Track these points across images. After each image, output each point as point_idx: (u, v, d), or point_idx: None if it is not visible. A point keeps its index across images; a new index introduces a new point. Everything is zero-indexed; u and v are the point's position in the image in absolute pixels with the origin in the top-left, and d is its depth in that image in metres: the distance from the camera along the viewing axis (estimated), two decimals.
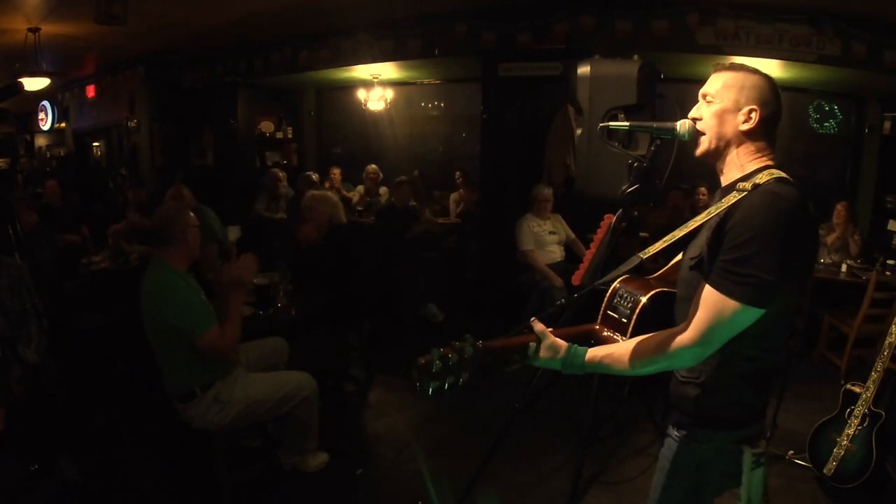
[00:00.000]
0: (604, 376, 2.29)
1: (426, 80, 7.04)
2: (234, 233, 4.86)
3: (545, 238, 4.46)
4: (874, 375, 2.53)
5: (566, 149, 4.69)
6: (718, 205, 1.18)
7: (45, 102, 9.39)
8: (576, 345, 1.28)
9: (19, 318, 2.66)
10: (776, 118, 1.25)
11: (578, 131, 2.10)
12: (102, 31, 5.16)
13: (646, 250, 1.28)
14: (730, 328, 1.12)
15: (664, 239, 1.27)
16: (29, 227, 3.93)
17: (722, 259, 1.12)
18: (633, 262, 1.28)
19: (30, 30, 5.38)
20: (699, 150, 1.31)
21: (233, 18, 5.36)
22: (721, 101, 1.26)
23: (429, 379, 1.13)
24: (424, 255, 5.29)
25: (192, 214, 2.50)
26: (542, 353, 1.25)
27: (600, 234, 1.99)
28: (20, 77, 4.86)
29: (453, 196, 6.36)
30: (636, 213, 1.82)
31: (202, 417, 2.36)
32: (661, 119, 1.57)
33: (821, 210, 4.98)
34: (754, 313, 1.10)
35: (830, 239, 4.84)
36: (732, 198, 1.15)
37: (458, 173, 6.31)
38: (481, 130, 5.26)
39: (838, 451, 2.53)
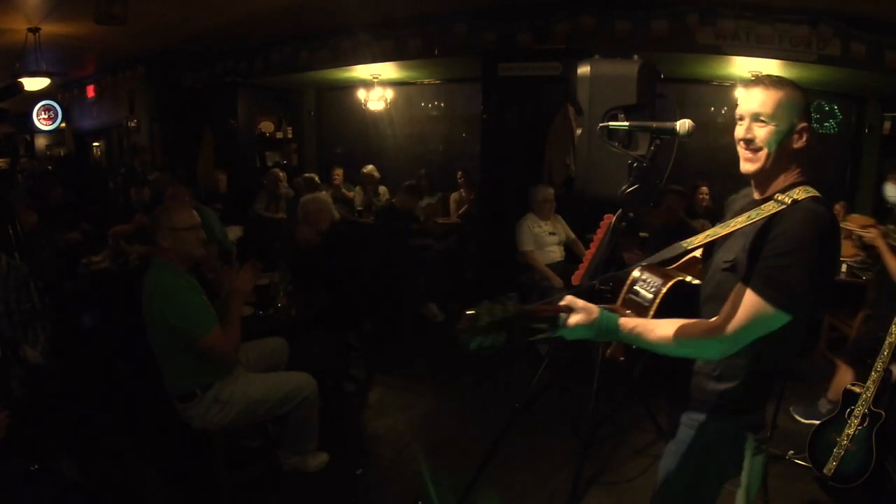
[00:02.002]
0: (604, 377, 2.30)
1: (426, 80, 7.04)
2: (234, 233, 4.87)
3: (545, 238, 4.46)
4: (874, 375, 2.53)
5: (566, 149, 4.70)
6: (759, 211, 1.27)
7: (52, 102, 9.38)
8: (608, 311, 1.30)
9: (26, 318, 2.67)
10: (811, 132, 1.32)
11: (578, 131, 2.10)
12: (102, 31, 5.16)
13: (689, 240, 1.39)
14: (760, 329, 1.21)
15: (707, 233, 1.38)
16: (29, 227, 3.92)
17: (763, 265, 1.21)
18: (676, 249, 1.40)
19: (30, 30, 5.38)
20: (753, 168, 1.32)
21: (233, 18, 5.36)
22: (778, 123, 1.28)
23: (473, 333, 1.12)
24: (424, 255, 5.29)
25: (193, 213, 2.49)
26: (574, 318, 1.25)
27: (600, 234, 1.99)
28: (20, 77, 4.87)
29: (453, 196, 6.37)
30: (636, 214, 1.82)
31: (202, 417, 2.36)
32: (661, 119, 1.57)
33: None
34: (784, 318, 1.19)
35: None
36: (772, 207, 1.25)
37: (459, 173, 6.31)
38: (481, 130, 5.26)
39: (838, 451, 2.53)
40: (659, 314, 1.41)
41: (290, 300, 3.13)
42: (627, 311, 1.45)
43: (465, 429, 3.18)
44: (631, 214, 1.84)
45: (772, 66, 4.78)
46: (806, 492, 2.63)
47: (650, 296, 1.40)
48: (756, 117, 1.30)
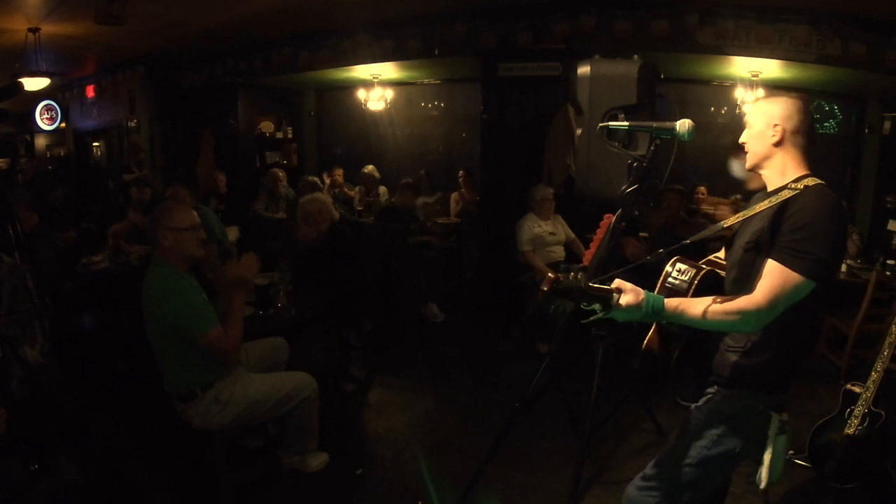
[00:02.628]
0: (604, 376, 2.30)
1: (426, 80, 7.04)
2: (233, 233, 4.87)
3: (545, 238, 4.46)
4: (874, 375, 2.53)
5: (566, 149, 4.69)
6: (776, 197, 1.42)
7: (50, 102, 9.38)
8: (651, 293, 1.40)
9: (25, 318, 2.67)
10: (804, 130, 1.48)
11: (578, 131, 2.10)
12: (102, 31, 5.15)
13: (725, 221, 1.56)
14: (791, 297, 1.33)
15: (738, 215, 1.54)
16: (29, 227, 3.92)
17: (784, 239, 1.35)
18: (716, 228, 1.58)
19: (30, 30, 5.37)
20: (747, 165, 1.57)
21: (233, 18, 5.36)
22: (754, 126, 1.53)
23: (555, 295, 1.26)
24: (424, 255, 5.29)
25: (193, 213, 2.49)
26: (625, 298, 1.35)
27: (600, 234, 2.00)
28: (20, 77, 4.87)
29: (454, 196, 6.37)
30: (636, 213, 1.82)
31: (202, 417, 2.36)
32: (661, 119, 1.58)
33: None
34: (809, 286, 1.33)
35: None
36: (787, 193, 1.41)
37: (461, 172, 6.31)
38: (481, 130, 5.26)
39: (838, 451, 2.53)
40: (697, 296, 1.52)
41: (290, 300, 3.13)
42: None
43: (465, 429, 3.18)
44: (636, 213, 1.84)
45: (772, 66, 4.78)
46: (806, 492, 2.63)
47: (686, 284, 1.54)
48: (746, 125, 1.56)
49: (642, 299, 1.36)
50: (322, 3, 4.92)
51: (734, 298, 1.37)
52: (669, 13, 4.54)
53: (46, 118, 9.58)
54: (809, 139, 1.49)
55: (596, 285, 1.34)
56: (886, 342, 2.54)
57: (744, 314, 1.34)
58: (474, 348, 4.47)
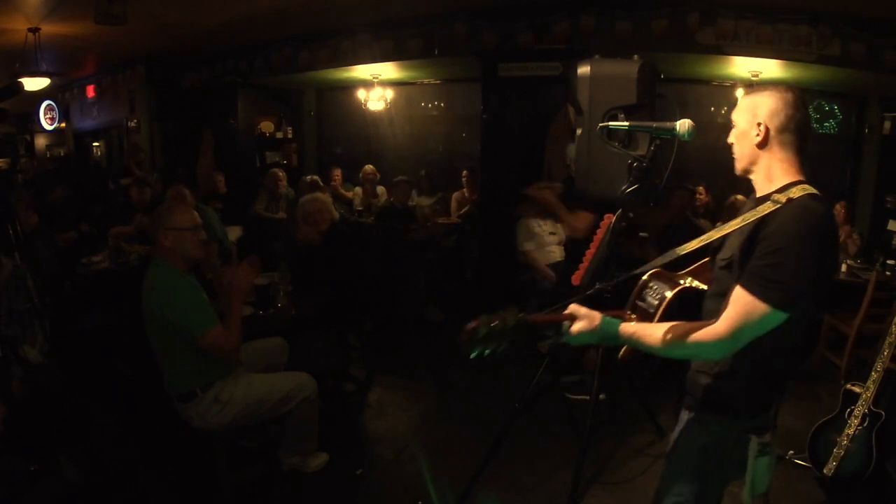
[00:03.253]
0: (604, 377, 2.30)
1: (426, 80, 7.04)
2: (234, 233, 4.87)
3: (545, 238, 4.46)
4: (874, 375, 2.53)
5: (566, 149, 4.69)
6: (754, 212, 1.26)
7: (51, 102, 9.39)
8: (610, 317, 1.35)
9: (25, 318, 2.67)
10: (794, 128, 1.31)
11: (578, 131, 2.09)
12: (102, 31, 5.16)
13: (683, 246, 1.37)
14: (757, 328, 1.21)
15: (702, 238, 1.37)
16: (29, 227, 3.92)
17: (755, 264, 1.22)
18: (669, 256, 1.40)
19: (30, 30, 5.38)
20: (736, 170, 1.42)
21: (233, 18, 5.36)
22: (738, 125, 1.38)
23: (474, 344, 1.21)
24: (424, 255, 5.28)
25: (194, 213, 2.49)
26: (578, 325, 1.32)
27: (600, 234, 2.00)
28: (20, 77, 4.87)
29: (455, 195, 6.36)
30: (636, 213, 1.82)
31: (202, 417, 2.36)
32: (661, 119, 1.57)
33: None
34: (780, 316, 1.19)
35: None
36: (767, 207, 1.24)
37: (465, 172, 6.30)
38: (481, 130, 5.26)
39: (838, 451, 2.53)
40: (664, 320, 1.43)
41: (290, 300, 3.13)
42: (633, 316, 1.49)
43: (465, 429, 3.18)
44: (631, 214, 1.84)
45: (772, 66, 4.78)
46: (806, 492, 2.63)
47: (655, 302, 1.45)
48: (733, 122, 1.41)
49: (596, 325, 1.31)
50: (322, 3, 4.92)
51: (695, 324, 1.27)
52: (669, 13, 4.54)
53: (49, 118, 9.58)
54: (802, 137, 1.32)
55: (546, 315, 1.33)
56: (886, 342, 2.54)
57: (703, 346, 1.25)
58: None
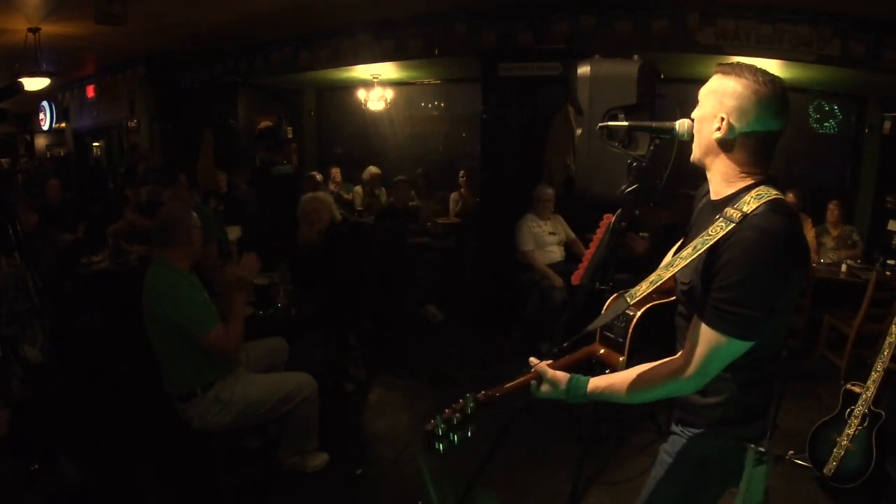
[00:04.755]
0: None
1: (426, 80, 7.04)
2: (234, 233, 4.86)
3: (545, 238, 4.46)
4: (874, 375, 2.53)
5: (566, 149, 4.69)
6: (705, 237, 1.14)
7: (45, 102, 9.39)
8: (578, 376, 1.31)
9: (25, 318, 2.67)
10: (759, 134, 1.16)
11: (578, 131, 2.09)
12: (102, 31, 5.16)
13: (632, 293, 1.27)
14: (723, 359, 1.16)
15: (650, 279, 1.24)
16: (29, 227, 3.92)
17: (714, 297, 1.14)
18: (620, 307, 1.30)
19: (30, 30, 5.38)
20: (691, 158, 1.29)
21: (233, 18, 5.36)
22: (702, 107, 1.24)
23: (436, 440, 1.25)
24: (424, 255, 5.28)
25: (195, 214, 2.51)
26: (544, 389, 1.32)
27: (600, 233, 2.00)
28: (20, 77, 4.87)
29: (453, 196, 6.37)
30: (636, 213, 1.82)
31: (202, 417, 2.36)
32: (661, 119, 1.56)
33: (820, 211, 4.99)
34: (744, 345, 1.14)
35: (828, 240, 4.86)
36: (720, 229, 1.13)
37: (462, 172, 6.31)
38: (481, 130, 5.26)
39: (838, 451, 2.53)
40: (636, 346, 1.41)
41: (290, 300, 3.13)
42: (602, 352, 1.46)
43: None
44: (636, 213, 1.83)
45: (772, 66, 4.75)
46: (806, 492, 2.63)
47: (622, 330, 1.41)
48: (698, 98, 1.26)
49: (563, 388, 1.29)
50: (322, 3, 4.92)
51: (661, 365, 1.22)
52: (669, 13, 4.54)
53: (42, 119, 9.58)
54: (768, 142, 1.18)
55: (510, 386, 1.32)
56: (886, 342, 2.54)
57: (672, 386, 1.20)
58: (474, 348, 4.47)
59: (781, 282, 1.12)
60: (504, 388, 1.31)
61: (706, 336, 1.15)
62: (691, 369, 1.17)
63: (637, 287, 1.27)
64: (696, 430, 1.35)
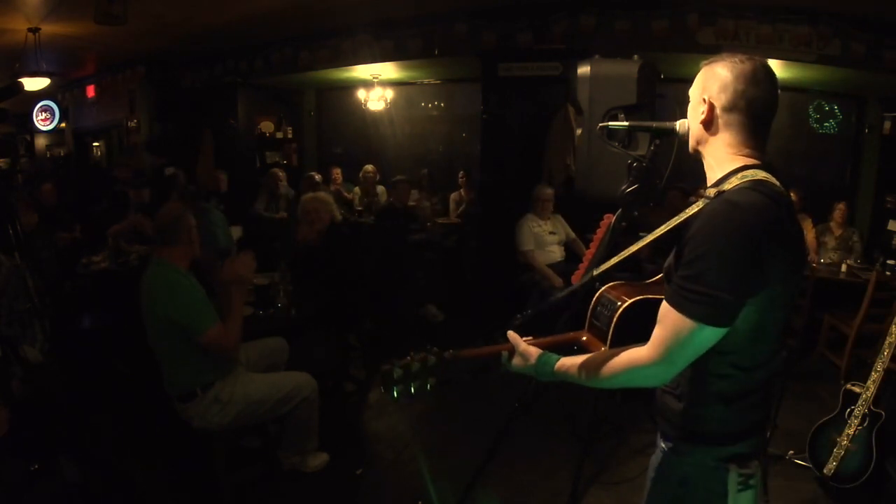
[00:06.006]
0: None
1: (426, 80, 7.04)
2: (234, 233, 4.87)
3: (545, 238, 4.47)
4: (874, 375, 2.53)
5: (566, 149, 4.69)
6: (682, 214, 1.12)
7: (49, 102, 9.38)
8: (549, 353, 1.27)
9: (25, 318, 2.67)
10: (742, 107, 1.12)
11: (578, 131, 2.10)
12: (102, 31, 5.16)
13: (599, 267, 1.27)
14: (691, 348, 1.04)
15: (620, 254, 1.23)
16: (29, 227, 3.92)
17: (679, 275, 1.05)
18: (584, 279, 1.31)
19: (30, 30, 5.38)
20: (689, 149, 1.28)
21: (233, 18, 5.36)
22: (691, 100, 1.24)
23: (392, 383, 1.25)
24: (424, 255, 5.28)
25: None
26: (515, 361, 1.29)
27: (600, 233, 2.00)
28: (20, 77, 4.87)
29: (453, 196, 6.37)
30: (636, 213, 1.82)
31: (202, 417, 2.36)
32: (661, 119, 1.56)
33: (820, 210, 4.99)
34: (714, 332, 1.03)
35: (829, 240, 4.86)
36: (695, 207, 1.09)
37: (461, 172, 6.31)
38: (481, 130, 5.27)
39: (838, 451, 2.53)
40: (619, 336, 1.35)
41: (290, 300, 3.13)
42: (585, 339, 1.44)
43: (465, 429, 3.18)
44: (636, 213, 1.83)
45: (772, 66, 4.77)
46: (806, 492, 2.63)
47: (608, 317, 1.38)
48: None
49: (532, 363, 1.24)
50: (322, 3, 4.93)
51: (627, 351, 1.12)
52: (669, 13, 4.55)
53: (43, 119, 9.56)
54: (755, 116, 1.12)
55: (483, 348, 1.31)
56: (886, 342, 2.54)
57: (636, 372, 1.09)
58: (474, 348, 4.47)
59: (754, 265, 1.00)
60: (473, 352, 1.29)
61: (669, 317, 1.04)
62: (657, 355, 1.05)
63: (605, 263, 1.27)
64: (677, 446, 1.25)
